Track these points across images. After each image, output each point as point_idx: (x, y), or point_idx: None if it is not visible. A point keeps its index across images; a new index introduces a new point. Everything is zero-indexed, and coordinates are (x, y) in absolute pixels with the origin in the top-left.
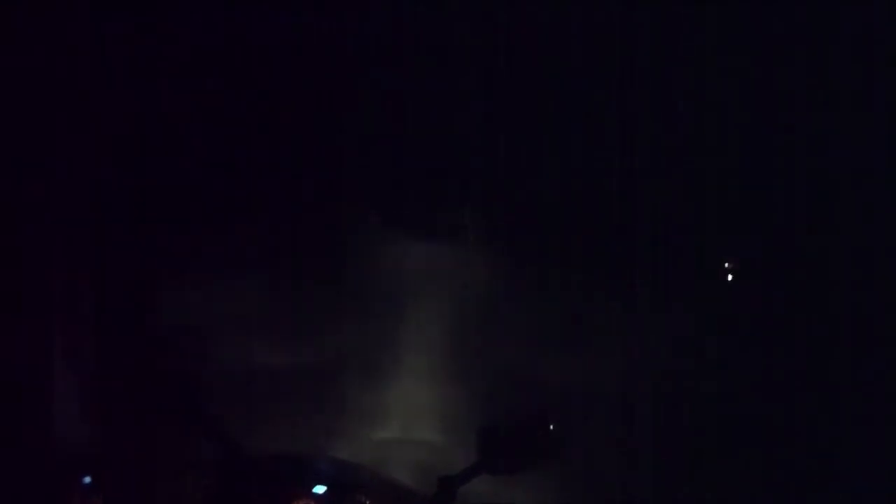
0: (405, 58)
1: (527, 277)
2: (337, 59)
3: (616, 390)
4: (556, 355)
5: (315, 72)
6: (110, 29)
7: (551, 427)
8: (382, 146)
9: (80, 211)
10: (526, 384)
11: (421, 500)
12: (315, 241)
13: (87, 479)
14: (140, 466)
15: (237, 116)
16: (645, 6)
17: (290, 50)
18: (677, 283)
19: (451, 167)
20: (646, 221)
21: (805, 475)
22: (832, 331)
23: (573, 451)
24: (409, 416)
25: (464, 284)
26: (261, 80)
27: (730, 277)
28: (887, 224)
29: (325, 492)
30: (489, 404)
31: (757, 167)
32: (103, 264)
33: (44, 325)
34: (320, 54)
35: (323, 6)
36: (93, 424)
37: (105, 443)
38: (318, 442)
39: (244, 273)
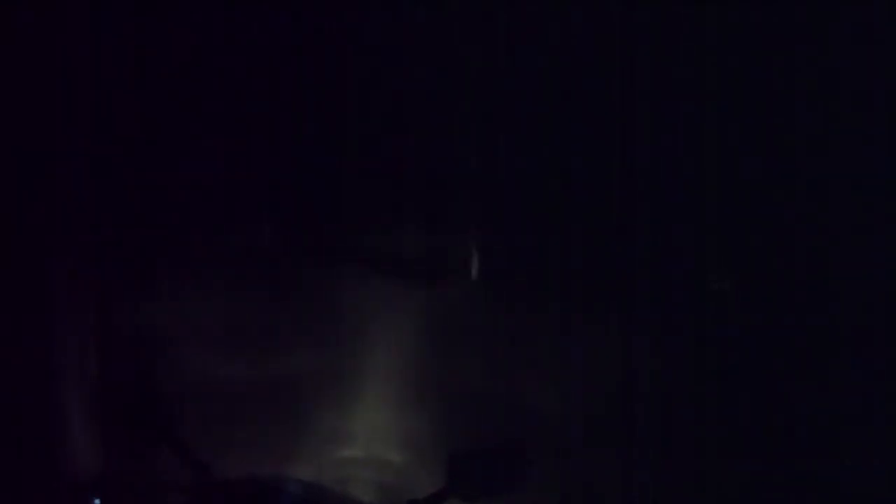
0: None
1: (500, 297)
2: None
3: (592, 412)
4: (528, 378)
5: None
6: (110, 28)
7: (522, 454)
8: (355, 166)
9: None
10: (496, 407)
11: None
12: (284, 260)
13: (97, 502)
14: (147, 488)
15: (222, 133)
16: (645, 6)
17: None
18: (666, 296)
19: (426, 191)
20: (630, 236)
21: (805, 477)
22: (833, 333)
23: (545, 476)
24: (373, 436)
25: (434, 305)
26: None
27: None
28: (889, 228)
29: None
30: (456, 426)
31: (757, 177)
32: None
33: (43, 329)
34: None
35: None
36: (98, 444)
37: (112, 462)
38: (281, 461)
39: (210, 291)
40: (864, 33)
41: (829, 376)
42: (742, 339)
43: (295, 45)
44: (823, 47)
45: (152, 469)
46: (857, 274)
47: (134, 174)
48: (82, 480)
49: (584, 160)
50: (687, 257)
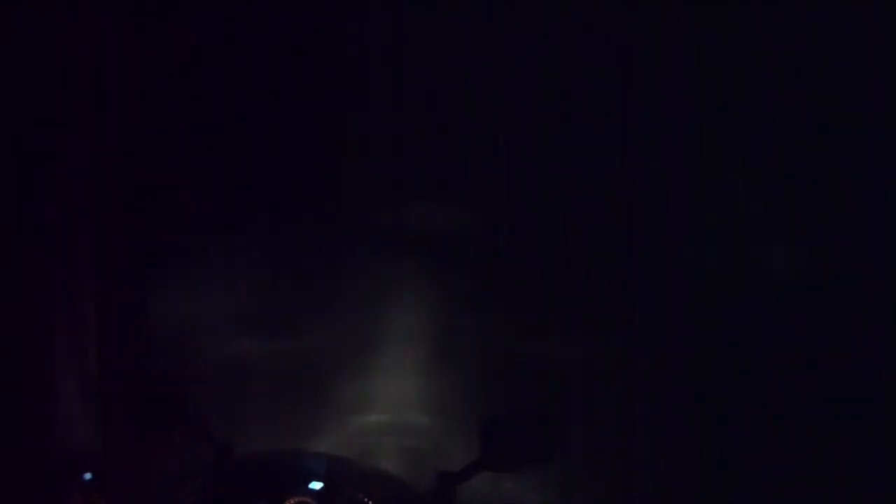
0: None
1: (522, 265)
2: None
3: (616, 379)
4: (553, 342)
5: (307, 75)
6: (110, 27)
7: (553, 423)
8: (367, 144)
9: (81, 209)
10: (522, 370)
11: (418, 493)
12: (301, 233)
13: (88, 476)
14: (140, 466)
15: (232, 116)
16: (645, 6)
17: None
18: (677, 278)
19: (442, 163)
20: (647, 214)
21: (805, 476)
22: (833, 333)
23: (575, 446)
24: (401, 402)
25: (456, 272)
26: (257, 81)
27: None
28: (889, 228)
29: (321, 488)
30: (483, 389)
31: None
32: (103, 261)
33: (44, 321)
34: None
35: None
36: (93, 422)
37: (106, 440)
38: (308, 434)
39: (228, 268)
40: (864, 33)
41: (829, 376)
42: (742, 340)
43: (296, 41)
44: (823, 48)
45: (152, 449)
46: (858, 274)
47: (139, 165)
48: (75, 457)
49: (585, 160)
50: (687, 257)
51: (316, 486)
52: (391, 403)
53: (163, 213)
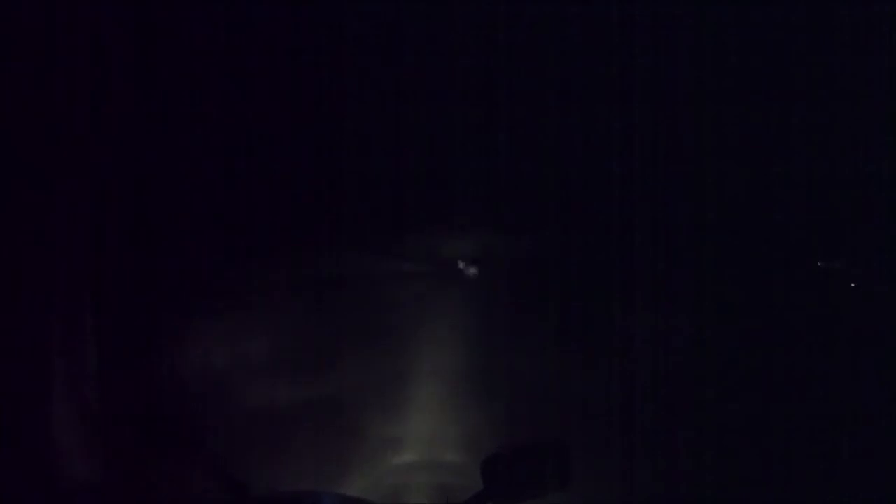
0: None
1: (539, 297)
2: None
3: (633, 405)
4: (575, 373)
5: (317, 84)
6: (110, 29)
7: (562, 451)
8: (388, 172)
9: (83, 226)
10: (544, 403)
11: None
12: (325, 269)
13: None
14: (144, 498)
15: (243, 134)
16: (645, 6)
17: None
18: (682, 290)
19: (456, 195)
20: (649, 229)
21: (805, 476)
22: (832, 334)
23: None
24: (429, 440)
25: (478, 308)
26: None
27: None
28: (888, 229)
29: None
30: (511, 423)
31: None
32: (107, 289)
33: (44, 345)
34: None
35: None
36: (95, 452)
37: (107, 471)
38: (339, 474)
39: (254, 304)
40: (864, 33)
41: (828, 377)
42: (741, 340)
43: (296, 41)
44: (823, 48)
45: (157, 486)
46: (858, 274)
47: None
48: (75, 488)
49: (585, 161)
50: (687, 257)
51: None
52: (421, 441)
53: (171, 235)
